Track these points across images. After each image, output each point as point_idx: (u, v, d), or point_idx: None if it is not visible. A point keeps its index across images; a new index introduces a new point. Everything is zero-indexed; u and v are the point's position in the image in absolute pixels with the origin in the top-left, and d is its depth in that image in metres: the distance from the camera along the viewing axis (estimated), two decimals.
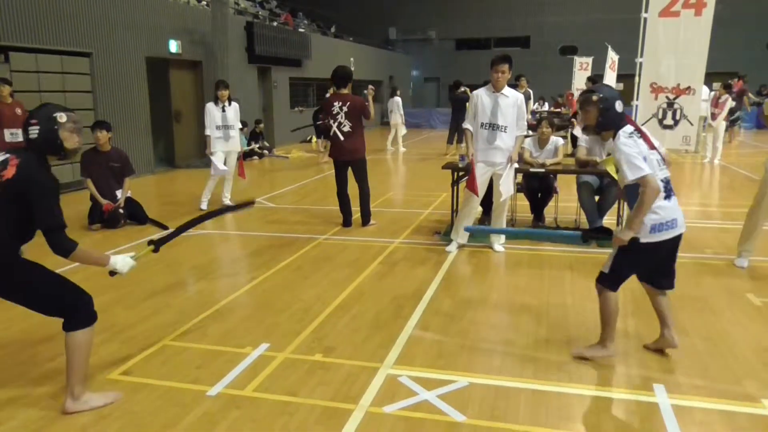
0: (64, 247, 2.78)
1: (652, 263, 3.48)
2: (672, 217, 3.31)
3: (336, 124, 6.82)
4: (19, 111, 7.48)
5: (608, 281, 3.48)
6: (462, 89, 13.97)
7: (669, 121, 5.88)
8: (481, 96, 5.68)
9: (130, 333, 3.93)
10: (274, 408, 3.00)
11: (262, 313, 4.33)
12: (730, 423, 2.85)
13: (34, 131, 2.83)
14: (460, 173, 6.80)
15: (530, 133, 7.55)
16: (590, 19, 26.47)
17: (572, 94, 16.56)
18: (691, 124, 5.81)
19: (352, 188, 6.98)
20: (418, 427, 2.83)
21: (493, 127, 5.60)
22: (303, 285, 4.95)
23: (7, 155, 2.83)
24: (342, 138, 6.82)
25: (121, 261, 3.03)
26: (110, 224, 6.75)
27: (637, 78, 6.04)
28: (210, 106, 7.97)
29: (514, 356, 3.60)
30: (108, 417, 2.91)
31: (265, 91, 16.52)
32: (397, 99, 15.56)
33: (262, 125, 14.65)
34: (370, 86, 7.01)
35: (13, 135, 7.40)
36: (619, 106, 3.40)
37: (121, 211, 6.85)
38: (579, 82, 17.06)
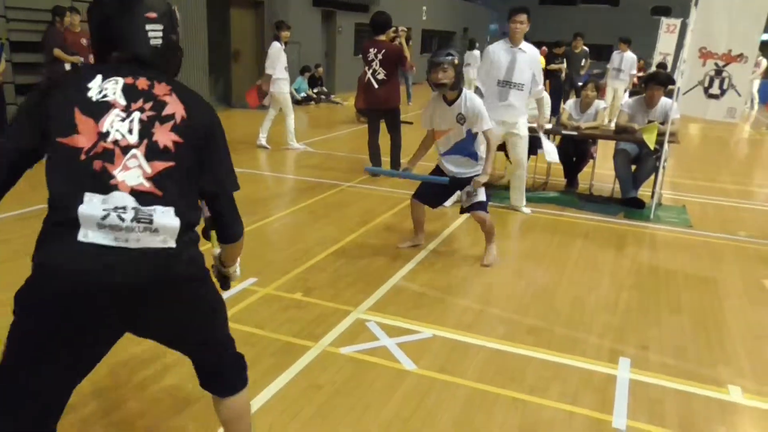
0: (240, 221, 1.84)
1: None
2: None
3: (371, 71, 6.77)
4: (84, 41, 7.82)
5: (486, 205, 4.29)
6: None
7: (715, 90, 5.48)
8: (497, 51, 5.41)
9: None
10: (238, 338, 3.11)
11: (262, 250, 4.48)
12: (684, 403, 2.77)
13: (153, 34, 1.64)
14: None
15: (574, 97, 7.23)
16: None
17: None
18: (739, 95, 5.39)
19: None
20: (366, 370, 2.90)
21: (509, 84, 5.36)
22: (310, 228, 5.06)
23: (137, 77, 1.57)
24: (376, 86, 6.77)
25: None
26: None
27: (688, 40, 5.62)
28: (279, 47, 8.03)
29: (490, 316, 3.59)
30: None
31: (328, 35, 16.48)
32: (476, 53, 15.03)
33: (321, 69, 14.68)
34: (401, 27, 6.79)
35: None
36: None
37: None
38: (664, 45, 15.76)
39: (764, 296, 4.08)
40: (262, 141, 8.41)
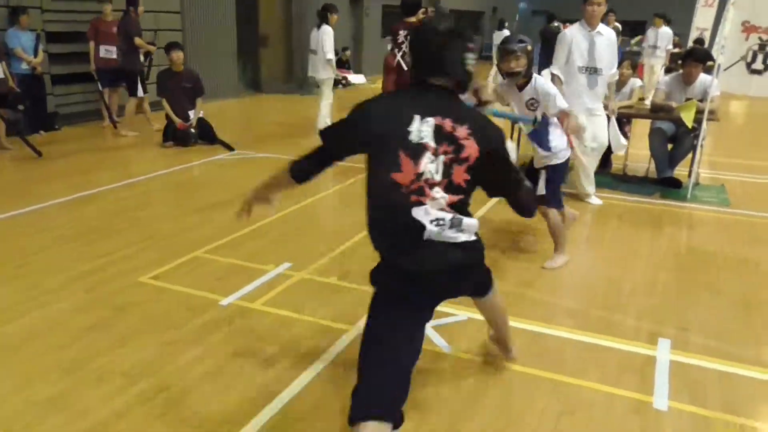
0: (530, 207, 2.18)
1: None
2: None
3: (401, 53, 6.73)
4: (114, 29, 7.95)
5: (555, 202, 3.99)
6: (556, 24, 13.16)
7: (759, 65, 5.34)
8: (575, 35, 5.09)
9: (167, 242, 4.26)
10: (276, 321, 3.20)
11: (295, 234, 4.53)
12: (725, 384, 2.73)
13: (469, 62, 1.98)
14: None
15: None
16: None
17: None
18: None
19: None
20: None
21: (592, 70, 5.07)
22: (344, 212, 5.10)
23: (444, 118, 1.91)
24: (406, 68, 6.73)
25: None
26: (182, 142, 7.16)
27: (730, 14, 5.44)
28: (329, 30, 8.05)
29: (527, 298, 3.58)
30: (126, 312, 3.24)
31: (356, 18, 16.40)
32: (505, 32, 14.88)
33: (348, 52, 14.63)
34: (431, 9, 6.71)
35: (108, 52, 7.91)
36: None
37: (192, 130, 7.23)
38: (701, 20, 14.81)
39: None
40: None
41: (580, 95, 5.04)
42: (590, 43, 5.03)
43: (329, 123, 8.35)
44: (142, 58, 7.98)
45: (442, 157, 1.89)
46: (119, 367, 2.73)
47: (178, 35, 9.75)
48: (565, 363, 2.88)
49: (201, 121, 7.36)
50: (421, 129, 1.89)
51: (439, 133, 1.89)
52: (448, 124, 1.90)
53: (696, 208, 5.43)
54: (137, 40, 7.67)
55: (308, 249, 4.20)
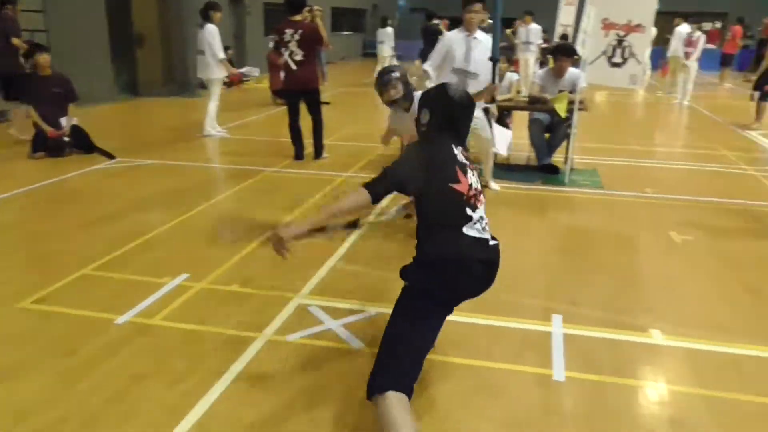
0: None
1: None
2: None
3: (288, 52, 6.67)
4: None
5: None
6: (435, 21, 13.60)
7: (618, 58, 5.81)
8: (452, 39, 5.32)
9: (50, 261, 3.97)
10: (180, 336, 3.08)
11: (190, 244, 4.37)
12: (614, 350, 2.99)
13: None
14: None
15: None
16: None
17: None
18: (639, 63, 5.74)
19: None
20: (315, 354, 2.93)
21: (465, 74, 5.26)
22: (240, 217, 4.97)
23: (458, 147, 2.50)
24: (294, 67, 6.68)
25: None
26: (56, 152, 6.65)
27: (589, 13, 5.92)
28: (215, 29, 7.85)
29: None
30: (8, 344, 2.98)
31: (237, 16, 16.00)
32: (389, 30, 15.08)
33: (231, 52, 14.24)
34: (316, 7, 6.72)
35: None
36: None
37: (66, 139, 6.73)
38: (564, 17, 16.12)
39: (672, 246, 4.43)
40: (211, 130, 8.23)
41: None
42: (467, 48, 5.25)
43: (215, 125, 8.17)
44: (22, 60, 7.28)
45: (473, 172, 2.42)
46: (9, 405, 2.51)
47: (41, 36, 9.03)
48: (470, 346, 3.01)
49: (75, 129, 6.86)
50: (457, 153, 2.39)
51: (464, 155, 2.43)
52: (461, 150, 2.45)
53: (574, 191, 5.86)
54: (15, 41, 7.02)
55: (205, 258, 4.07)
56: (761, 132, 9.19)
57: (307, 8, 6.79)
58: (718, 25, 19.32)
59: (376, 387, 2.13)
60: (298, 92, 6.82)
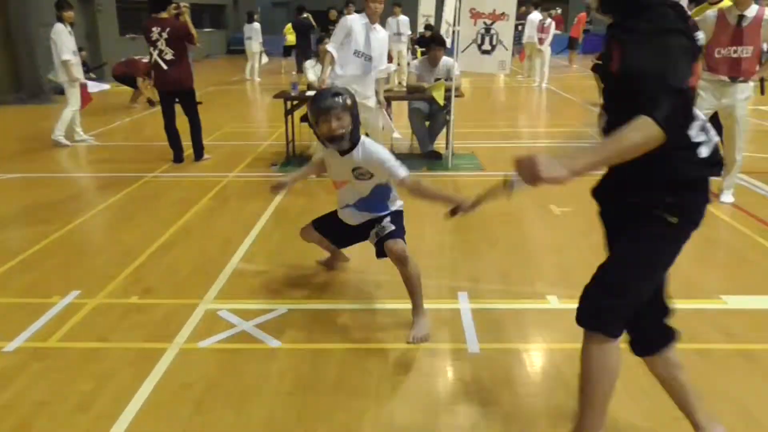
0: None
1: None
2: None
3: (156, 51, 6.34)
4: None
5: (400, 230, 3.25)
6: (305, 15, 13.54)
7: (487, 46, 6.15)
8: (354, 21, 5.41)
9: None
10: (82, 356, 2.87)
11: (75, 259, 4.07)
12: (518, 319, 3.21)
13: None
14: (294, 102, 6.71)
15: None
16: None
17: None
18: (506, 49, 6.12)
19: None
20: (233, 357, 2.87)
21: (368, 57, 5.42)
22: (125, 226, 4.70)
23: None
24: (165, 67, 6.37)
25: None
26: None
27: (457, 3, 6.20)
28: (63, 29, 7.30)
29: (337, 279, 3.73)
30: None
31: (88, 15, 14.88)
32: (256, 25, 14.67)
33: (84, 53, 13.23)
34: (183, 3, 6.46)
35: None
36: None
37: None
38: (425, 8, 16.65)
39: (553, 218, 4.80)
40: (61, 137, 7.58)
41: (352, 82, 5.28)
42: (367, 33, 5.40)
43: (78, 131, 7.59)
44: None
45: None
46: None
47: None
48: (385, 331, 3.09)
49: None
50: None
51: None
52: None
53: (457, 175, 6.14)
54: None
55: (96, 272, 3.81)
56: None
57: (173, 5, 6.48)
58: (559, 11, 20.89)
59: (619, 332, 1.93)
60: (172, 92, 6.53)
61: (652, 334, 2.05)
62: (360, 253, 4.13)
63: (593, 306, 1.94)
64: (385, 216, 3.21)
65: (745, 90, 4.79)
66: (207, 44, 22.09)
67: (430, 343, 2.94)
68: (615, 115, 1.82)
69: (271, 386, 2.63)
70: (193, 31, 6.47)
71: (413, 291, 3.04)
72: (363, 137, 3.10)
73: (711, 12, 4.80)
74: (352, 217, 3.29)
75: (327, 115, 2.90)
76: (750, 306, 3.30)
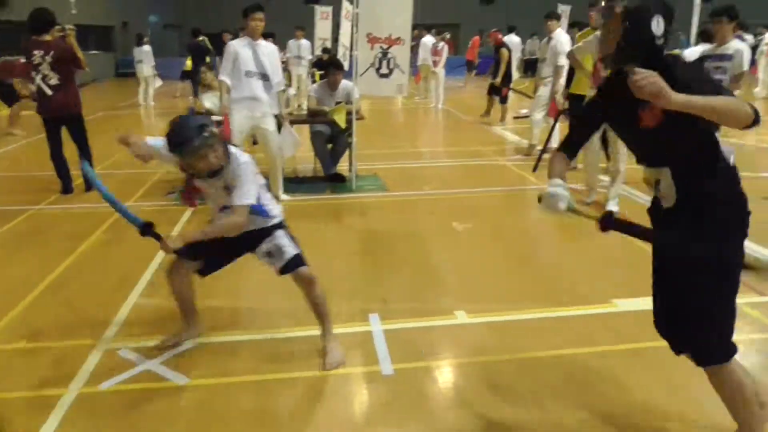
0: None
1: None
2: None
3: (40, 76, 5.96)
4: None
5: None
6: (201, 38, 13.23)
7: (384, 70, 6.30)
8: (236, 45, 5.49)
9: None
10: None
11: None
12: (428, 336, 3.28)
13: None
14: None
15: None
16: None
17: None
18: (403, 73, 6.31)
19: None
20: (138, 398, 2.72)
21: (258, 76, 5.48)
22: (6, 265, 4.34)
23: None
24: (50, 92, 5.99)
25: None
26: None
27: (354, 28, 6.32)
28: None
29: (245, 310, 3.66)
30: None
31: None
32: (146, 48, 14.12)
33: None
34: (68, 26, 6.12)
35: None
36: None
37: None
38: (321, 31, 16.73)
39: (456, 236, 4.96)
40: None
41: (247, 100, 5.43)
42: (253, 52, 5.48)
43: None
44: None
45: None
46: None
47: None
48: (297, 360, 3.05)
49: None
50: None
51: None
52: None
53: (362, 196, 6.20)
54: None
55: None
56: (504, 127, 10.70)
57: (57, 27, 6.13)
58: (448, 36, 21.86)
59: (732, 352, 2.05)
60: (58, 118, 6.14)
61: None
62: (260, 280, 4.06)
63: (709, 346, 2.05)
64: (273, 229, 2.98)
65: None
66: (94, 67, 20.95)
67: (344, 368, 2.94)
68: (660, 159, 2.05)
69: (182, 425, 2.52)
70: (80, 54, 6.14)
71: (322, 313, 3.03)
72: (233, 153, 2.81)
73: (595, 35, 5.27)
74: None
75: (197, 152, 2.61)
76: (637, 308, 3.57)
